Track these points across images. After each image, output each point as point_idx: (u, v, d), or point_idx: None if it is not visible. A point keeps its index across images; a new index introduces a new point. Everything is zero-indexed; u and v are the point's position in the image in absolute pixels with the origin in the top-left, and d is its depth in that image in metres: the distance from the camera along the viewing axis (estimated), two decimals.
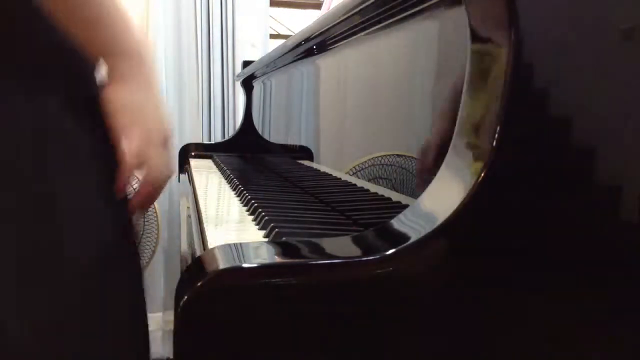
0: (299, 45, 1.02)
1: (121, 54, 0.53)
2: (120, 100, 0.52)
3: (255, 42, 2.22)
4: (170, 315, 2.09)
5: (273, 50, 1.31)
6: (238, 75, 1.90)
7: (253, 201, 0.79)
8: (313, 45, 0.99)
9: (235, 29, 2.16)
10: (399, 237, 0.42)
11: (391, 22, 0.67)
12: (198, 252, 0.67)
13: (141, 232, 1.91)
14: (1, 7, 0.48)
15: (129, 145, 0.52)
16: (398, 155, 0.64)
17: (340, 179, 0.83)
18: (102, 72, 0.56)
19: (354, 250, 0.44)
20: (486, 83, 0.42)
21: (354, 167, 0.78)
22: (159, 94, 0.56)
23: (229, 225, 0.75)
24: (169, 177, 0.58)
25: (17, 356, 0.45)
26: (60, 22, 0.50)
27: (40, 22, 0.50)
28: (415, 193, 0.57)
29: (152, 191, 0.57)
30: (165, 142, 0.56)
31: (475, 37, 0.44)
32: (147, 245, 1.92)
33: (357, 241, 0.45)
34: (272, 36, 2.30)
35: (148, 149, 0.54)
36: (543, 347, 0.43)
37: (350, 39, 0.82)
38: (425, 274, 0.41)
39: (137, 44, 0.54)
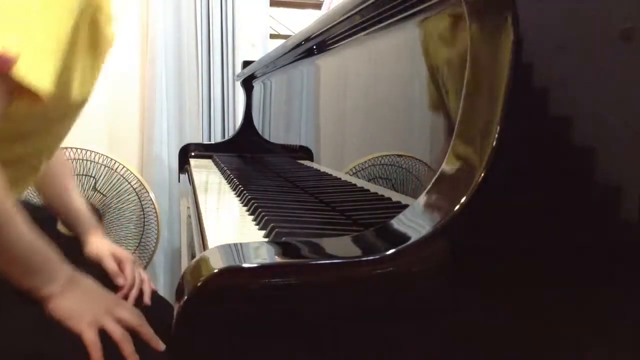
0: (299, 45, 1.02)
1: (50, 281, 0.66)
2: (63, 310, 0.66)
3: (255, 42, 2.22)
4: None
5: (273, 50, 1.31)
6: (238, 75, 1.90)
7: (253, 201, 0.79)
8: (313, 45, 0.99)
9: (235, 29, 2.16)
10: (399, 237, 0.42)
11: (391, 22, 0.67)
12: (198, 252, 0.67)
13: (141, 232, 1.91)
14: None
15: (86, 338, 0.65)
16: (398, 155, 0.64)
17: (340, 179, 0.83)
18: None
19: (354, 250, 0.44)
20: (486, 83, 0.42)
21: (354, 167, 0.78)
22: (85, 286, 0.71)
23: (229, 225, 0.75)
24: (138, 319, 0.71)
25: None
26: None
27: None
28: (415, 193, 0.57)
29: (144, 332, 0.70)
30: (111, 310, 0.70)
31: (475, 37, 0.44)
32: (147, 245, 1.92)
33: (357, 241, 0.45)
34: (272, 36, 2.30)
35: (108, 324, 0.68)
36: (542, 346, 0.43)
37: (350, 39, 0.82)
38: (425, 274, 0.41)
39: (56, 266, 0.68)
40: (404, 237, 0.41)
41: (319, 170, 0.95)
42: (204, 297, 0.38)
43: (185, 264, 1.43)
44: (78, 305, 0.68)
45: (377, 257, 0.40)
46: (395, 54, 0.68)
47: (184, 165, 1.69)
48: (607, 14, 0.43)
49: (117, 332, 0.67)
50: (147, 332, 0.72)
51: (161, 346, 0.73)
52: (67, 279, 0.69)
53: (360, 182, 0.75)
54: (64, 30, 0.61)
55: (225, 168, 1.28)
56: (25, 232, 0.65)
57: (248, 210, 0.79)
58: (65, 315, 0.67)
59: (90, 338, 0.66)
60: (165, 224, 2.13)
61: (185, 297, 0.38)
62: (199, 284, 0.38)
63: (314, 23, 0.92)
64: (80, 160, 1.86)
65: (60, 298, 0.67)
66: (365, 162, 0.74)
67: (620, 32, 0.43)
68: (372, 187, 0.70)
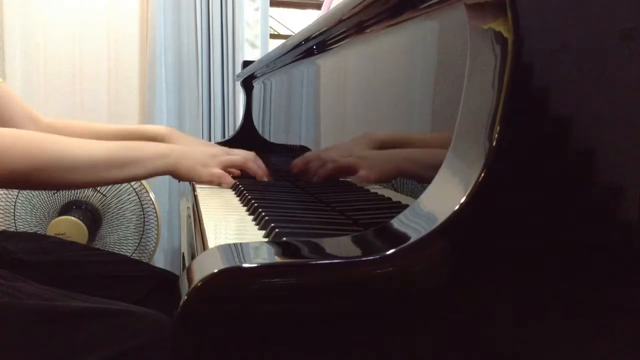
0: (299, 45, 1.02)
1: (159, 157, 0.84)
2: (184, 174, 0.87)
3: (255, 42, 2.22)
4: None
5: (273, 50, 1.31)
6: (238, 75, 1.89)
7: (253, 201, 0.79)
8: (313, 45, 0.99)
9: (235, 29, 2.16)
10: (399, 237, 0.42)
11: (391, 22, 0.67)
12: (198, 252, 0.67)
13: (141, 232, 1.91)
14: None
15: (211, 179, 0.90)
16: None
17: (340, 178, 0.83)
18: None
19: (354, 250, 0.44)
20: (486, 82, 0.42)
21: None
22: (188, 147, 0.92)
23: (229, 225, 0.75)
24: (242, 159, 0.94)
25: None
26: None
27: None
28: (415, 193, 0.57)
29: (248, 168, 0.94)
30: (218, 156, 0.91)
31: (475, 37, 0.44)
32: (147, 245, 1.92)
33: (357, 241, 0.45)
34: (272, 36, 2.30)
35: (220, 165, 0.91)
36: (543, 347, 0.43)
37: (350, 39, 0.82)
38: (425, 274, 0.41)
39: (148, 146, 0.84)
40: (404, 237, 0.41)
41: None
42: (204, 297, 0.38)
43: (185, 264, 1.43)
44: (192, 163, 0.84)
45: (377, 257, 0.40)
46: (395, 54, 0.68)
47: None
48: (607, 14, 0.43)
49: (237, 159, 0.90)
50: (251, 167, 0.94)
51: (265, 178, 0.96)
52: (172, 148, 0.84)
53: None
54: None
55: None
56: (90, 146, 0.75)
57: (248, 210, 0.79)
58: (186, 177, 0.85)
59: (214, 174, 0.86)
60: (165, 224, 2.13)
61: (185, 297, 0.38)
62: (199, 284, 0.38)
63: (314, 23, 0.92)
64: None
65: (178, 167, 0.83)
66: None
67: (620, 32, 0.43)
68: (372, 187, 0.70)
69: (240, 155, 0.95)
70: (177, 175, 0.85)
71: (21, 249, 0.86)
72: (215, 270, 0.38)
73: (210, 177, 0.87)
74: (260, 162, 1.00)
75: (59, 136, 0.76)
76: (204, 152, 0.89)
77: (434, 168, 0.45)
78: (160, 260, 2.13)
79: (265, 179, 0.98)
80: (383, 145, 0.68)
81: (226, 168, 0.90)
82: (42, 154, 0.71)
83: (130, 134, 1.07)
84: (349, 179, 0.78)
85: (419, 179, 0.58)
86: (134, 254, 1.89)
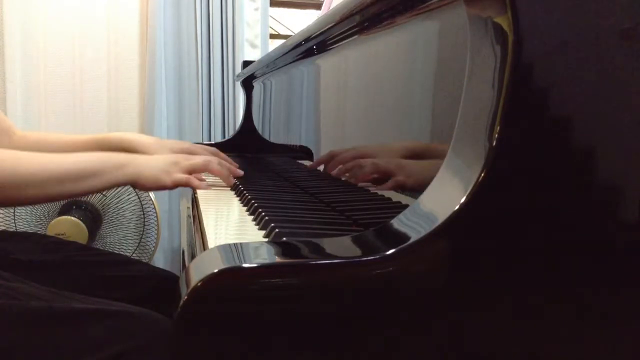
0: (299, 45, 1.02)
1: (119, 167, 0.82)
2: (146, 184, 0.84)
3: (255, 42, 2.22)
4: None
5: (273, 50, 1.31)
6: (238, 75, 1.89)
7: (253, 201, 0.79)
8: (313, 45, 0.99)
9: (235, 29, 2.16)
10: (399, 237, 0.42)
11: (391, 22, 0.67)
12: (198, 252, 0.67)
13: (141, 232, 1.91)
14: None
15: (176, 184, 0.88)
16: None
17: (340, 179, 0.83)
18: None
19: (354, 250, 0.44)
20: (486, 82, 0.42)
21: None
22: (148, 158, 0.88)
23: (229, 225, 0.75)
24: (204, 162, 0.93)
25: None
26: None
27: None
28: (415, 193, 0.57)
29: (212, 170, 0.94)
30: (179, 162, 0.89)
31: (475, 37, 0.44)
32: (147, 245, 1.92)
33: (357, 241, 0.45)
34: (272, 36, 2.30)
35: (183, 169, 0.89)
36: (543, 347, 0.43)
37: (350, 39, 0.82)
38: (425, 274, 0.41)
39: (108, 157, 0.83)
40: (404, 237, 0.41)
41: (319, 170, 0.95)
42: (204, 298, 0.38)
43: (185, 264, 1.43)
44: (154, 172, 0.83)
45: (377, 257, 0.40)
46: (395, 53, 0.68)
47: None
48: (607, 14, 0.43)
49: (198, 164, 0.89)
50: (214, 169, 0.93)
51: (230, 181, 0.95)
52: (132, 158, 0.83)
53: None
54: None
55: None
56: (43, 160, 0.74)
57: (248, 210, 0.79)
58: (150, 186, 0.83)
59: (178, 179, 0.85)
60: (165, 224, 2.13)
61: (185, 298, 0.38)
62: (198, 284, 0.38)
63: (314, 23, 0.92)
64: None
65: (140, 177, 0.82)
66: None
67: (620, 32, 0.43)
68: (372, 187, 0.70)
69: (201, 159, 0.93)
70: (140, 185, 0.83)
71: (21, 249, 0.86)
72: (215, 271, 0.38)
73: (175, 183, 0.86)
74: (224, 162, 0.97)
75: (10, 151, 0.73)
76: (165, 161, 0.87)
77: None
78: (160, 260, 2.13)
79: (232, 180, 0.95)
80: (415, 154, 0.64)
81: (190, 173, 0.89)
82: None
83: (96, 143, 1.03)
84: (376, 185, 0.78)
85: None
86: (134, 254, 1.89)
